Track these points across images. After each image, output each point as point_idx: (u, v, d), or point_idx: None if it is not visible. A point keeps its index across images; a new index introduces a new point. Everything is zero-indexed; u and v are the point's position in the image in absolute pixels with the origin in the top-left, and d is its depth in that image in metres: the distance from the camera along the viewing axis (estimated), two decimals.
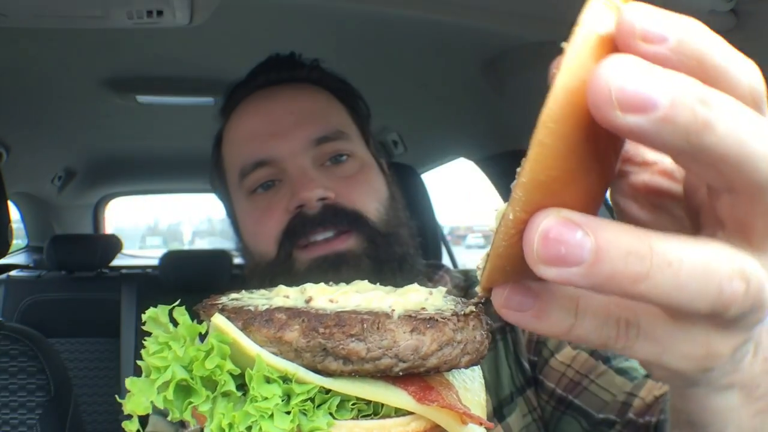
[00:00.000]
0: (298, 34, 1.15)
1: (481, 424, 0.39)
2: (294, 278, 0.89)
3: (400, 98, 2.08)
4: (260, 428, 0.36)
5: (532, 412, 1.02)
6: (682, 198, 0.35)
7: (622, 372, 0.93)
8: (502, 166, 2.32)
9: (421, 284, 0.46)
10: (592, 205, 0.29)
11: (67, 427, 1.82)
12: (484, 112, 2.03)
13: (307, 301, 0.41)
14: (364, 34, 1.15)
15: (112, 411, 3.06)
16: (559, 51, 0.27)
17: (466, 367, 0.41)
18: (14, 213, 3.67)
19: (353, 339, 0.37)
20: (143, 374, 0.39)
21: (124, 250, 4.25)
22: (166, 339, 0.38)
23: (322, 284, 0.46)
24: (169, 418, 0.38)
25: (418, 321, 0.38)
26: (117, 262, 3.65)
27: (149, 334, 0.41)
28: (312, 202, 0.98)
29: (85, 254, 3.28)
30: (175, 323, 0.40)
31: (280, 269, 0.99)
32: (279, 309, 0.39)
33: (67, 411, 1.85)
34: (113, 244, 3.45)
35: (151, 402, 0.38)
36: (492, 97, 1.78)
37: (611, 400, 0.91)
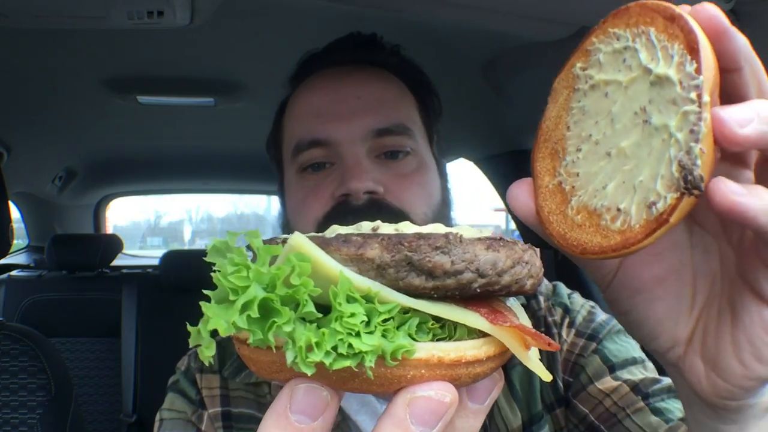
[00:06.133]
0: (298, 35, 1.15)
1: (549, 344, 0.40)
2: None
3: None
4: (348, 345, 0.36)
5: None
6: None
7: (658, 412, 0.90)
8: (502, 166, 2.32)
9: None
10: None
11: (67, 427, 1.82)
12: (484, 112, 2.03)
13: (375, 229, 0.41)
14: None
15: (113, 411, 3.07)
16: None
17: (531, 291, 0.42)
18: (15, 213, 3.67)
19: (438, 252, 0.38)
20: (213, 300, 0.38)
21: (125, 250, 4.26)
22: (242, 260, 0.37)
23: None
24: (251, 341, 0.37)
25: (490, 240, 0.40)
26: (118, 262, 3.66)
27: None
28: (359, 193, 0.95)
29: (85, 254, 3.28)
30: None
31: None
32: (351, 234, 0.40)
33: (68, 410, 1.85)
34: (114, 244, 3.46)
35: (233, 323, 0.36)
36: (492, 97, 1.79)
37: None
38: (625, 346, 1.02)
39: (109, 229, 4.57)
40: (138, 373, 3.06)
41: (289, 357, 0.36)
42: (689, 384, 0.53)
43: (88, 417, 3.04)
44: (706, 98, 0.40)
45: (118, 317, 3.12)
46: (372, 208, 0.95)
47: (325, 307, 0.38)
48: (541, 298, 1.08)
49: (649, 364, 1.00)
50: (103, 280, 3.31)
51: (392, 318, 0.38)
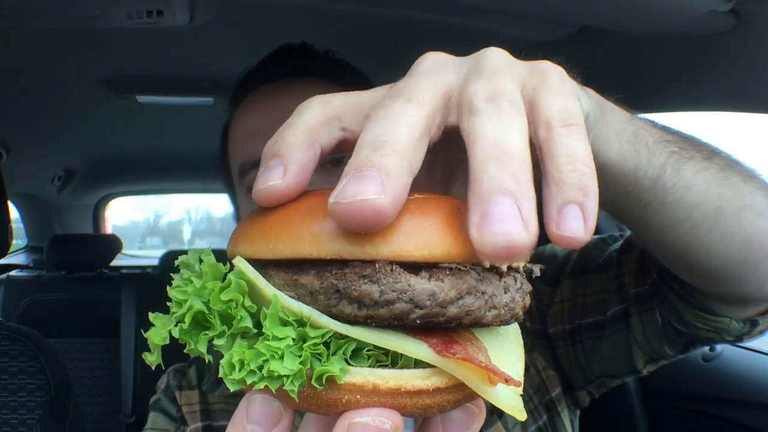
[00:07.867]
0: (298, 35, 1.15)
1: (507, 381, 0.36)
2: None
3: None
4: (269, 368, 0.36)
5: (528, 403, 1.02)
6: None
7: (600, 269, 0.95)
8: None
9: None
10: None
11: (67, 427, 1.82)
12: None
13: None
14: (364, 35, 1.16)
15: (112, 411, 3.06)
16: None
17: (494, 323, 0.39)
18: (14, 213, 3.67)
19: (365, 280, 0.36)
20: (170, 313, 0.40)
21: (124, 250, 4.26)
22: (189, 275, 0.39)
23: None
24: (186, 350, 0.39)
25: (437, 269, 0.37)
26: (117, 262, 3.66)
27: None
28: None
29: (85, 254, 3.28)
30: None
31: None
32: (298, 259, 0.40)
33: (67, 411, 1.85)
34: (113, 244, 3.46)
35: (169, 331, 0.38)
36: None
37: (607, 297, 0.92)
38: (550, 252, 1.06)
39: (109, 229, 4.57)
40: (137, 373, 3.05)
41: (221, 370, 0.37)
42: None
43: (87, 417, 3.03)
44: None
45: (118, 317, 3.11)
46: None
47: None
48: None
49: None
50: (102, 280, 3.31)
51: (327, 343, 0.37)
